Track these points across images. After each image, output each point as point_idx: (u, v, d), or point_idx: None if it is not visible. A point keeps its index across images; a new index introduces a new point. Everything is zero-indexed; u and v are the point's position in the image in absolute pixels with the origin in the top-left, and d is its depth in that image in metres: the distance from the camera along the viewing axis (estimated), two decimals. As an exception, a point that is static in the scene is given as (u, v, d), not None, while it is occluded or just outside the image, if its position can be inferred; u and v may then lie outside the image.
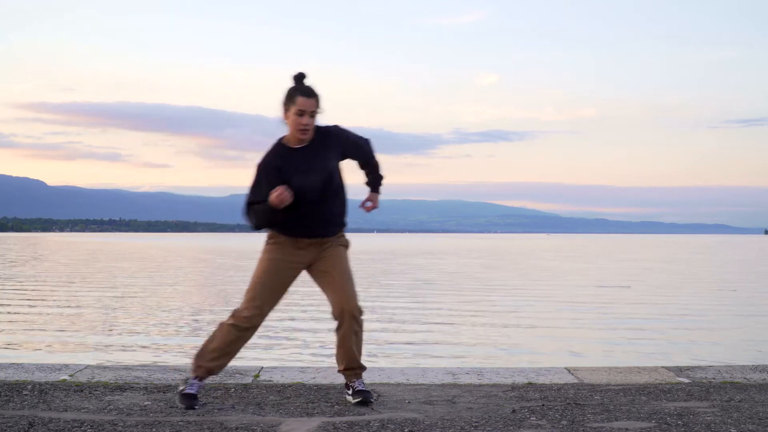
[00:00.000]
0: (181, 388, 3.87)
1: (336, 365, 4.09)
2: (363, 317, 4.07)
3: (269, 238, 3.99)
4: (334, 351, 4.05)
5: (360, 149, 4.04)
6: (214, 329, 4.04)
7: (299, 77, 3.86)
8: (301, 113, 3.79)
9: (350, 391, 3.94)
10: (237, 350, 4.00)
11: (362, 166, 4.12)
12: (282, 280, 3.96)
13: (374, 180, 4.12)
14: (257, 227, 3.88)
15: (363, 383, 3.99)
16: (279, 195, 3.71)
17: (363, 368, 4.05)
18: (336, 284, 3.98)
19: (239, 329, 3.94)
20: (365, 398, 3.86)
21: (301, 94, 3.80)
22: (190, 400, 3.79)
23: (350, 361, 3.98)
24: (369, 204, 4.12)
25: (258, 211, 3.84)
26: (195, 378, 3.89)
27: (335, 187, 3.94)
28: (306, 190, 3.82)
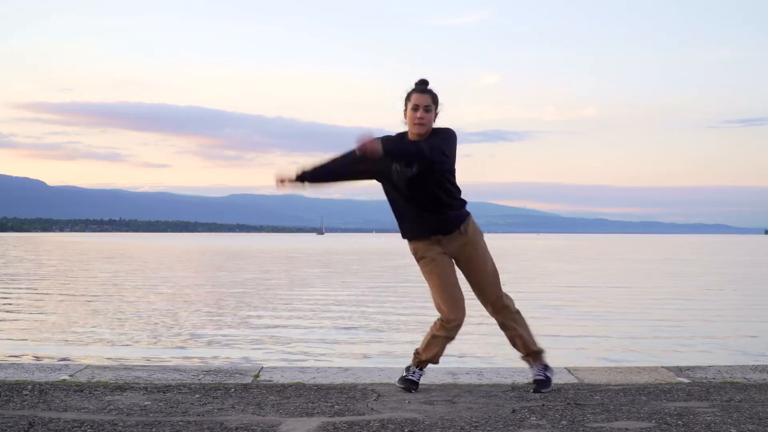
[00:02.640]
0: (403, 374, 4.29)
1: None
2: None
3: (415, 252, 4.23)
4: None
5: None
6: (428, 337, 4.31)
7: (420, 82, 4.17)
8: (415, 108, 4.07)
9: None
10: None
11: None
12: (453, 272, 4.24)
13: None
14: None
15: (541, 370, 4.32)
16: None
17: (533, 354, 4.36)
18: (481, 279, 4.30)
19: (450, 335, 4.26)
20: (537, 387, 4.24)
21: (415, 90, 4.12)
22: (406, 382, 4.21)
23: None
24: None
25: (327, 163, 4.11)
26: (416, 367, 4.28)
27: (436, 180, 4.09)
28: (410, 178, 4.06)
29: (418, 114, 4.05)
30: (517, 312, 4.35)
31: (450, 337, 4.24)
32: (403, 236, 4.26)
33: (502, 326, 4.36)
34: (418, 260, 4.23)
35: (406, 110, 4.13)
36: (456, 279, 4.24)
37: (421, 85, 4.13)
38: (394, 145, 3.98)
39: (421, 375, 4.29)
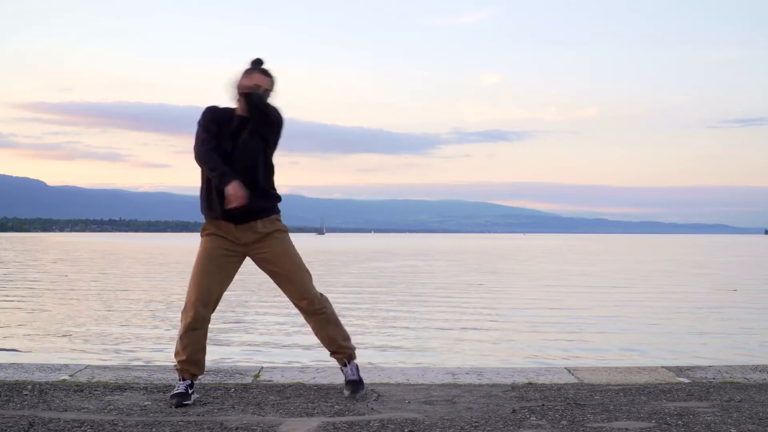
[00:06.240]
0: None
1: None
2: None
3: (202, 230, 4.00)
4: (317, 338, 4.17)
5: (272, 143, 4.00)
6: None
7: (257, 61, 4.00)
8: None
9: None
10: (198, 346, 3.95)
11: None
12: (219, 271, 3.94)
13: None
14: (202, 164, 3.86)
15: (355, 371, 4.12)
16: (236, 195, 3.73)
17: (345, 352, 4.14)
18: (289, 278, 4.01)
19: (188, 327, 3.92)
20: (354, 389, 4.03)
21: (255, 71, 3.94)
22: (176, 398, 3.82)
23: (330, 345, 4.12)
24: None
25: (211, 169, 3.84)
26: (181, 379, 3.93)
27: (266, 165, 3.97)
28: (239, 157, 3.86)
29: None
30: (327, 307, 4.07)
31: (188, 331, 3.89)
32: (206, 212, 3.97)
33: (312, 321, 4.07)
34: (201, 236, 4.00)
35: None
36: (218, 280, 3.93)
37: (259, 65, 3.98)
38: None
39: (186, 385, 3.89)
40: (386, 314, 12.91)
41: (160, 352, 8.99)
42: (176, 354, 3.95)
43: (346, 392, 4.02)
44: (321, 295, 4.10)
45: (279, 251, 4.00)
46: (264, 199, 3.97)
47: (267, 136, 3.97)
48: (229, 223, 3.93)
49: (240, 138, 3.91)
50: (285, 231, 4.10)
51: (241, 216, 3.90)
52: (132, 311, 13.27)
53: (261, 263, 4.04)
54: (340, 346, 4.10)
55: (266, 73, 3.97)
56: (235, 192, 3.76)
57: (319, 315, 4.06)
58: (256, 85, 3.90)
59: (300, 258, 4.07)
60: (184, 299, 3.95)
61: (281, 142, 4.10)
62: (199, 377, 4.05)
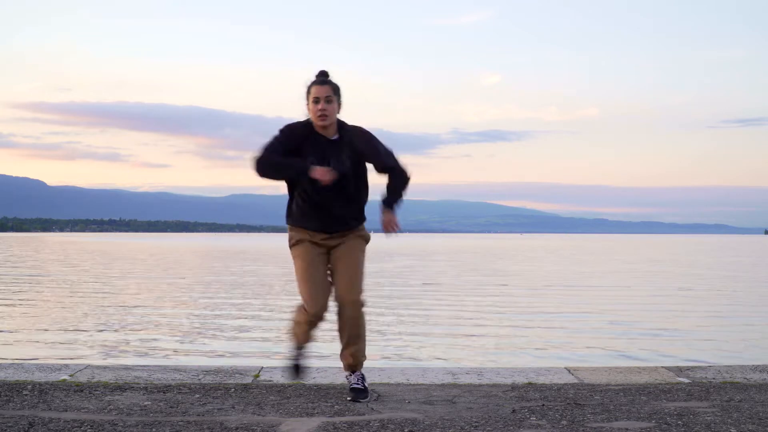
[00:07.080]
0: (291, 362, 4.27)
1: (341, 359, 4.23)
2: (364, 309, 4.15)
3: (290, 239, 4.14)
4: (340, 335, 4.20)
5: (377, 153, 4.10)
6: (292, 322, 4.30)
7: (320, 73, 4.10)
8: (316, 100, 4.00)
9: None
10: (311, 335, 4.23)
11: (379, 171, 4.16)
12: (322, 271, 4.09)
13: (389, 195, 4.11)
14: (264, 175, 3.98)
15: (361, 379, 4.10)
16: (324, 173, 3.87)
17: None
18: (342, 272, 4.07)
19: (307, 325, 4.16)
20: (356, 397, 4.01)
21: (314, 83, 4.05)
22: (290, 370, 4.26)
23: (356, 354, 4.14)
24: (386, 226, 4.07)
25: (280, 165, 3.95)
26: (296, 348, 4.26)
27: (354, 183, 4.06)
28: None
29: (320, 106, 3.98)
30: (364, 314, 4.15)
31: (304, 323, 4.18)
32: (295, 223, 4.13)
33: (349, 326, 4.09)
34: (291, 246, 4.14)
35: (308, 104, 4.05)
36: (324, 279, 4.08)
37: (321, 77, 4.06)
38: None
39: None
40: (386, 314, 12.91)
41: (160, 352, 8.99)
42: (293, 333, 4.26)
43: (350, 397, 4.00)
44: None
45: (349, 247, 4.08)
46: (354, 213, 4.08)
47: (361, 153, 4.06)
48: (320, 233, 4.05)
49: (328, 158, 3.97)
50: (365, 238, 4.17)
51: (333, 228, 4.04)
52: (132, 311, 13.27)
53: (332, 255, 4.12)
54: (360, 355, 4.12)
55: (330, 84, 4.04)
56: (321, 172, 3.87)
57: (358, 315, 4.07)
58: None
59: (363, 264, 4.14)
60: (300, 301, 4.11)
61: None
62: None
